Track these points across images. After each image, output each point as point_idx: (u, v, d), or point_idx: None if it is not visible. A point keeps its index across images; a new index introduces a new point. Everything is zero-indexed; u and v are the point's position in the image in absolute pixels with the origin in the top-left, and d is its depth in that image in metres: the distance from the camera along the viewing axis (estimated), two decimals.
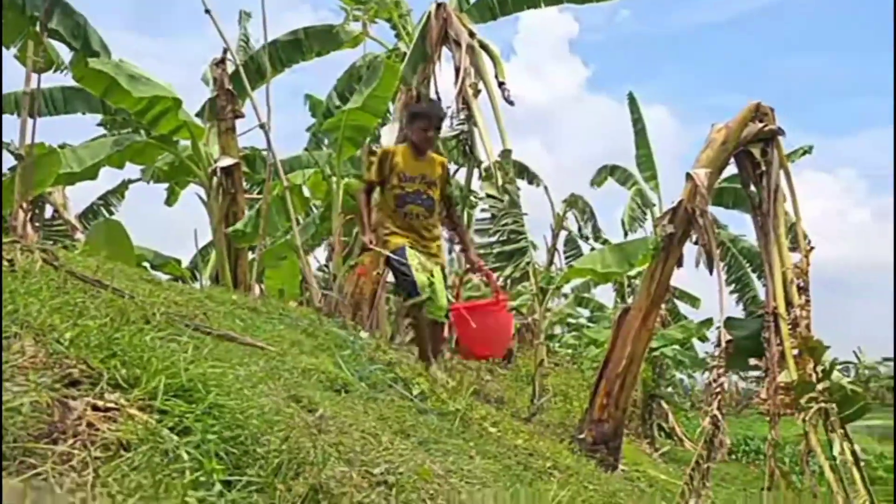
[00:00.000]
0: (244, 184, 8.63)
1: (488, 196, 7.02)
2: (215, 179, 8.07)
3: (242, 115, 7.94)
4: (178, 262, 10.59)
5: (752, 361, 6.11)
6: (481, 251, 7.22)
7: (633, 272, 11.72)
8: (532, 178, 16.13)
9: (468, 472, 3.38)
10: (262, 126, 5.92)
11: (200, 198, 8.60)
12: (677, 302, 15.97)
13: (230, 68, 8.20)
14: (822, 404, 5.35)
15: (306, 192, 10.44)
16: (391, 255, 4.32)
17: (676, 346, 12.98)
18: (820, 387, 5.43)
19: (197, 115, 9.25)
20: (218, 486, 1.48)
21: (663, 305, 14.51)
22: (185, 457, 1.51)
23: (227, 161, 7.86)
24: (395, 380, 4.43)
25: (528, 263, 6.75)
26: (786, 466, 7.47)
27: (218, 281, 8.32)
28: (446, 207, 4.73)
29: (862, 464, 5.68)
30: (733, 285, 12.49)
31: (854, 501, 4.94)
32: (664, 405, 14.14)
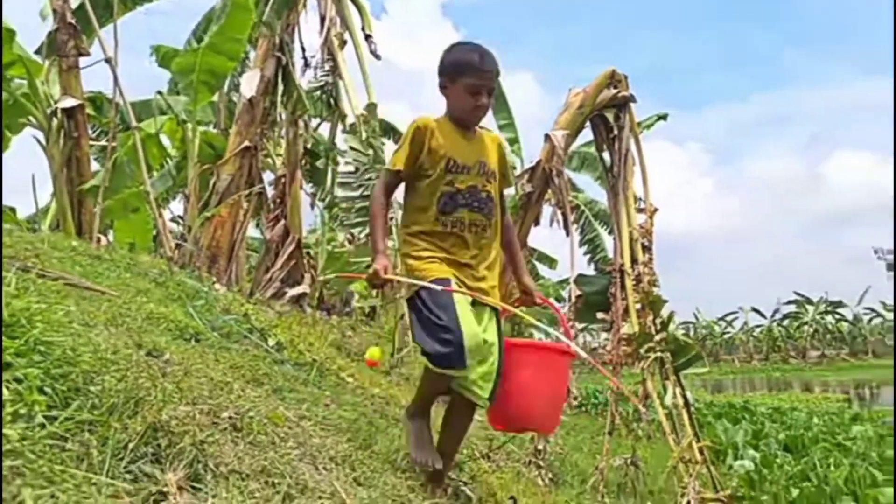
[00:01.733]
0: (89, 128, 8.01)
1: (352, 149, 6.94)
2: (55, 122, 7.43)
3: (87, 53, 7.32)
4: (13, 210, 9.72)
5: (600, 315, 6.50)
6: (343, 205, 7.18)
7: None
8: (399, 139, 16.10)
9: (323, 418, 3.40)
10: (107, 61, 5.49)
11: (39, 142, 7.90)
12: (536, 263, 16.59)
13: (74, 1, 7.54)
14: (659, 353, 5.81)
15: (165, 142, 9.86)
16: (424, 286, 2.56)
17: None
18: (658, 337, 5.88)
19: (36, 52, 8.46)
20: (40, 419, 1.40)
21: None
22: (6, 392, 1.41)
23: (69, 102, 7.23)
24: (250, 330, 4.35)
25: (391, 218, 6.75)
26: (628, 416, 8.06)
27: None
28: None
29: (692, 409, 6.19)
30: (586, 246, 13.14)
31: (682, 440, 5.39)
32: None
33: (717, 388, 32.83)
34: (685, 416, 5.74)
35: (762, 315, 64.93)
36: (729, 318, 65.64)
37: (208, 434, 2.05)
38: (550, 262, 16.52)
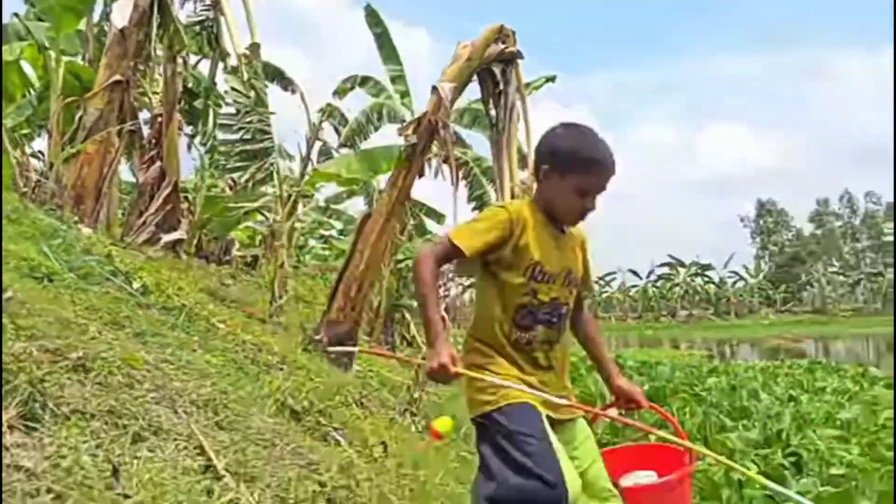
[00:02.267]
0: None
1: (233, 90, 6.65)
2: None
3: None
4: None
5: None
6: (222, 149, 6.88)
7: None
8: (288, 85, 15.58)
9: (187, 363, 3.30)
10: None
11: None
12: (424, 218, 16.65)
13: None
14: None
15: (29, 71, 9.06)
16: (504, 412, 2.06)
17: None
18: None
19: None
20: None
21: (411, 220, 15.08)
22: None
23: None
24: (114, 273, 4.14)
25: (272, 164, 6.55)
26: None
27: None
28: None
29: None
30: (475, 202, 13.28)
31: None
32: (407, 315, 14.85)
33: None
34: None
35: (638, 276, 68.48)
36: (607, 279, 68.75)
37: (47, 372, 1.95)
38: (438, 217, 16.62)
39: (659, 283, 67.53)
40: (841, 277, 65.14)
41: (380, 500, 3.05)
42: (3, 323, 2.03)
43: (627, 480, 2.18)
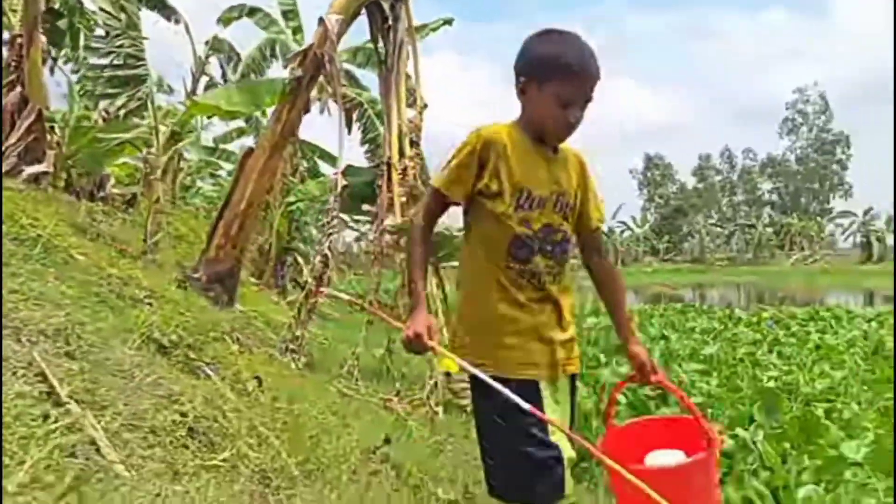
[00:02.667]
0: None
1: (101, 10, 6.16)
2: None
3: None
4: None
5: (365, 207, 6.57)
6: (90, 73, 6.40)
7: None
8: (171, 14, 14.70)
9: (40, 294, 3.13)
10: None
11: None
12: (318, 161, 16.28)
13: None
14: None
15: None
16: (493, 384, 1.81)
17: (314, 203, 13.35)
18: None
19: None
20: None
21: (304, 163, 14.73)
22: None
23: None
24: None
25: (145, 93, 6.16)
26: (392, 302, 8.31)
27: None
28: (580, 240, 2.20)
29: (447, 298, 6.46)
30: (368, 144, 13.05)
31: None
32: (299, 259, 14.62)
33: None
34: (439, 305, 6.04)
35: None
36: None
37: None
38: (333, 161, 16.28)
39: None
40: (718, 229, 69.17)
41: (249, 430, 3.01)
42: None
43: (655, 459, 1.93)
